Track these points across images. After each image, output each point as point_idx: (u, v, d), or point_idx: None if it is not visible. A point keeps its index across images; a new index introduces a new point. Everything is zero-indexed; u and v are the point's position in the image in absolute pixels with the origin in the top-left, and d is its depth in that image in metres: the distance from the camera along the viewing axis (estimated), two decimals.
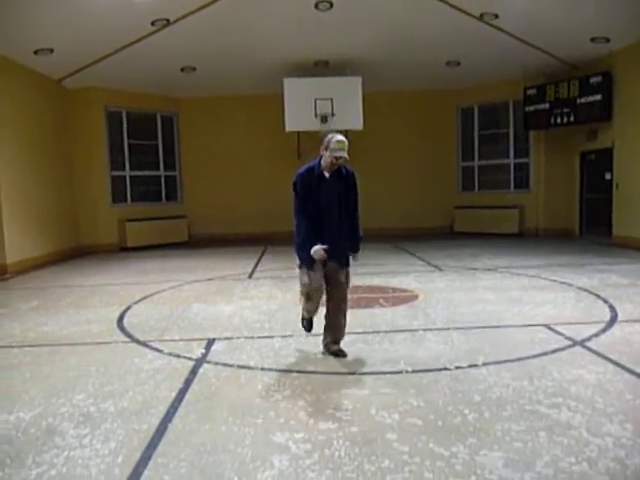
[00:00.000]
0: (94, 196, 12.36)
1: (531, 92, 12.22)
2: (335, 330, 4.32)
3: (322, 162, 4.10)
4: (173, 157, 14.01)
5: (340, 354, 4.27)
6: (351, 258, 4.30)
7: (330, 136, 4.05)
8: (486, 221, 13.36)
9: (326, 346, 4.37)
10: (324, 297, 4.31)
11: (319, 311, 4.41)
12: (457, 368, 3.95)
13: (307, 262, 4.09)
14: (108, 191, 12.63)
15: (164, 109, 13.64)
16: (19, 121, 9.93)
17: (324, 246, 4.00)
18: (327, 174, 4.11)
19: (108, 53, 10.06)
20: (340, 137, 4.03)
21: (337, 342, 4.34)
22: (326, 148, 4.02)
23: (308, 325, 4.54)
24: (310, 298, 4.23)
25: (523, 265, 8.63)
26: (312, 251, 3.98)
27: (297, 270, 4.25)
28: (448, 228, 14.26)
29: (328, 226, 4.09)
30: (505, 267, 8.50)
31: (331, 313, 4.30)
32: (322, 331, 4.41)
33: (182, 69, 11.47)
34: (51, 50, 9.57)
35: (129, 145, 13.01)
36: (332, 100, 11.28)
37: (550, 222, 12.84)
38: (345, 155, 4.01)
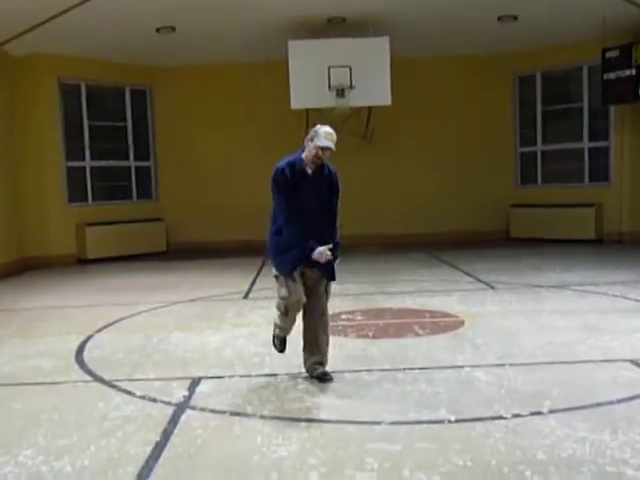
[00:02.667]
0: (44, 194, 12.47)
1: (612, 54, 12.16)
2: (317, 349, 4.75)
3: (304, 155, 4.63)
4: (146, 143, 14.15)
5: (326, 378, 4.69)
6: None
7: (318, 127, 4.61)
8: (552, 224, 13.28)
9: (309, 368, 4.78)
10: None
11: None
12: (515, 417, 3.94)
13: (286, 269, 4.58)
14: (63, 187, 12.76)
15: (135, 81, 13.79)
16: None
17: (329, 245, 4.50)
18: (309, 170, 4.63)
19: (62, 10, 10.20)
20: (329, 129, 4.58)
21: (321, 363, 4.75)
22: (312, 139, 4.55)
23: (281, 344, 4.91)
24: (287, 313, 4.68)
25: (602, 281, 8.58)
26: (316, 253, 4.45)
27: (274, 280, 4.74)
28: (502, 233, 14.22)
29: (310, 230, 4.53)
30: (578, 284, 8.47)
31: (311, 329, 4.76)
32: (305, 357, 4.80)
33: (158, 30, 11.58)
34: None
35: (90, 127, 13.15)
36: (351, 68, 11.32)
37: (637, 224, 12.77)
38: (333, 147, 4.52)
